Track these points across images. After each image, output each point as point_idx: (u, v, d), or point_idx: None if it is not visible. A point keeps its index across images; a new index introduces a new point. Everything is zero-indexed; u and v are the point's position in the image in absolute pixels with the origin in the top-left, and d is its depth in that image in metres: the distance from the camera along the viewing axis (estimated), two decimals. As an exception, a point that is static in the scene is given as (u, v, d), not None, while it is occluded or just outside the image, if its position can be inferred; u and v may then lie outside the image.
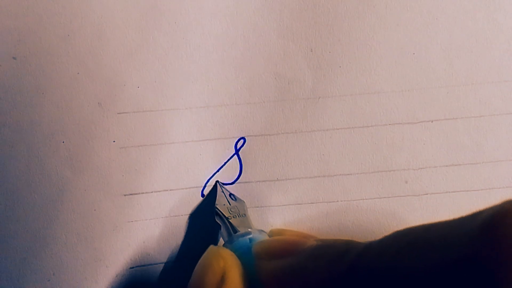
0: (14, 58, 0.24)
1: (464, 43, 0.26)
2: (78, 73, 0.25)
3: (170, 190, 0.26)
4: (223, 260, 0.19)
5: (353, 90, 0.26)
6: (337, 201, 0.26)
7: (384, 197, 0.26)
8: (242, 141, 0.26)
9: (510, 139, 0.26)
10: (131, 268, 0.26)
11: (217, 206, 0.24)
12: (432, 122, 0.26)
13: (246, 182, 0.26)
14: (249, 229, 0.23)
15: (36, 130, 0.25)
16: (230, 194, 0.25)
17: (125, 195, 0.26)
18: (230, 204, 0.24)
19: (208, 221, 0.26)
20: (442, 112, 0.26)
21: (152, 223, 0.26)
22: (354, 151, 0.26)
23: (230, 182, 0.26)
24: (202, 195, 0.26)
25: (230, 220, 0.23)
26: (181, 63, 0.25)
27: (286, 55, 0.26)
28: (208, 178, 0.26)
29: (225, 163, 0.26)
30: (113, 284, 0.26)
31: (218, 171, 0.26)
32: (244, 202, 0.25)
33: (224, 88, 0.26)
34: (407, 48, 0.26)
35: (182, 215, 0.26)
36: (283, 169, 0.26)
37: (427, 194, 0.26)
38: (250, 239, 0.21)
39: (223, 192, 0.25)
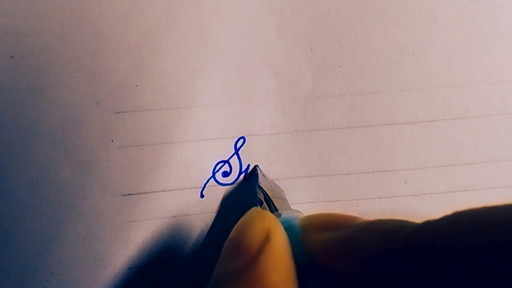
0: (12, 57, 0.24)
1: (463, 44, 0.26)
2: (76, 72, 0.25)
3: (169, 190, 0.26)
4: (268, 220, 0.18)
5: (353, 90, 0.26)
6: (337, 200, 0.26)
7: (384, 197, 0.26)
8: (242, 140, 0.26)
9: (508, 139, 0.26)
10: (129, 268, 0.26)
11: (260, 185, 0.24)
12: (431, 122, 0.26)
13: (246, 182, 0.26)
14: (292, 210, 0.22)
15: (34, 129, 0.24)
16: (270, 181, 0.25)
17: (123, 195, 0.25)
18: (272, 186, 0.24)
19: (207, 221, 0.26)
20: (441, 112, 0.26)
21: (151, 224, 0.26)
22: (354, 151, 0.26)
23: (230, 182, 0.26)
24: (202, 195, 0.26)
25: (272, 199, 0.23)
26: (180, 62, 0.25)
27: (286, 55, 0.26)
28: (207, 178, 0.26)
29: (225, 162, 0.26)
30: (112, 285, 0.26)
31: (218, 171, 0.26)
32: (282, 190, 0.25)
33: (224, 88, 0.26)
34: (406, 49, 0.26)
35: (181, 216, 0.26)
36: (282, 168, 0.26)
37: (426, 194, 0.26)
38: (293, 217, 0.20)
39: (264, 175, 0.25)
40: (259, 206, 0.23)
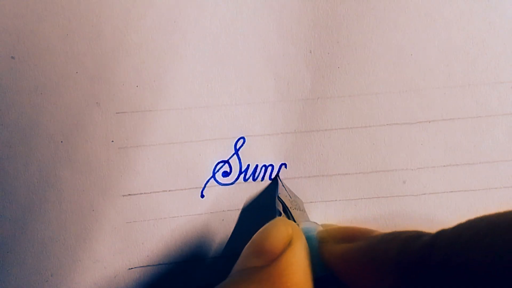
0: (12, 57, 0.24)
1: (461, 45, 0.26)
2: (76, 72, 0.25)
3: (169, 190, 0.26)
4: (291, 227, 0.19)
5: (351, 91, 0.26)
6: (336, 200, 0.27)
7: (382, 197, 0.26)
8: (241, 141, 0.26)
9: (506, 140, 0.26)
10: (129, 269, 0.26)
11: (280, 196, 0.24)
12: (429, 122, 0.26)
13: (246, 182, 0.26)
14: (309, 221, 0.23)
15: (35, 130, 0.25)
16: (289, 191, 0.26)
17: (123, 196, 0.25)
18: (291, 198, 0.24)
19: (207, 221, 0.26)
20: (439, 112, 0.26)
21: (151, 224, 0.26)
22: (353, 151, 0.26)
23: (230, 182, 0.26)
24: (202, 195, 0.26)
25: (291, 211, 0.23)
26: (180, 63, 0.25)
27: (286, 56, 0.26)
28: (207, 178, 0.26)
29: (225, 162, 0.26)
30: (112, 285, 0.26)
31: (218, 171, 0.26)
32: (302, 201, 0.26)
33: (223, 88, 0.26)
34: (405, 50, 0.26)
35: (181, 216, 0.26)
36: (282, 168, 0.26)
37: (425, 194, 0.27)
38: (311, 229, 0.21)
39: (284, 186, 0.25)
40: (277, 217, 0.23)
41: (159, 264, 0.26)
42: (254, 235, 0.19)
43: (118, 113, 0.25)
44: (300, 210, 0.24)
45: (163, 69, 0.25)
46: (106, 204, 0.25)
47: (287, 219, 0.20)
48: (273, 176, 0.26)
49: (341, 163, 0.26)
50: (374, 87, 0.26)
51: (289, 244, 0.18)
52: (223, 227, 0.26)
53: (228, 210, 0.26)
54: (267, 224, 0.19)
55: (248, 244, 0.19)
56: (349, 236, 0.19)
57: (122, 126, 0.25)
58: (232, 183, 0.26)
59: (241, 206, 0.26)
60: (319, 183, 0.26)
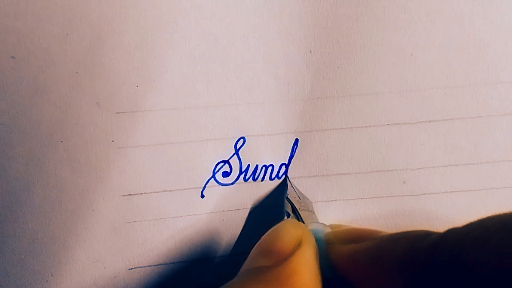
0: (12, 57, 0.24)
1: (461, 45, 0.26)
2: (76, 72, 0.25)
3: (169, 190, 0.26)
4: (301, 229, 0.19)
5: (351, 91, 0.26)
6: (335, 200, 0.27)
7: (382, 197, 0.26)
8: (242, 140, 0.26)
9: (507, 140, 0.26)
10: (129, 269, 0.26)
11: (288, 197, 0.24)
12: (429, 122, 0.26)
13: (246, 182, 0.26)
14: (318, 222, 0.23)
15: (35, 130, 0.25)
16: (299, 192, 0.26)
17: (123, 196, 0.25)
18: (300, 199, 0.24)
19: (208, 221, 0.26)
20: (439, 112, 0.26)
21: (151, 224, 0.26)
22: (352, 151, 0.26)
23: (230, 182, 0.26)
24: (202, 196, 0.26)
25: (300, 212, 0.23)
26: (180, 63, 0.25)
27: (286, 56, 0.26)
28: (207, 178, 0.26)
29: (225, 162, 0.26)
30: (112, 285, 0.26)
31: (218, 171, 0.26)
32: (311, 201, 0.26)
33: (224, 88, 0.26)
34: (405, 50, 0.26)
35: (181, 216, 0.26)
36: (283, 168, 0.26)
37: (425, 194, 0.27)
38: (319, 230, 0.21)
39: (293, 187, 0.25)
40: (286, 218, 0.23)
41: (159, 264, 0.26)
42: (263, 236, 0.19)
43: (118, 113, 0.25)
44: (309, 211, 0.24)
45: (163, 69, 0.25)
46: (106, 204, 0.25)
47: (296, 221, 0.20)
48: (273, 176, 0.26)
49: (341, 163, 0.26)
50: (374, 87, 0.26)
51: (298, 245, 0.18)
52: (223, 227, 0.26)
53: (228, 210, 0.26)
54: (276, 225, 0.19)
55: (256, 244, 0.19)
56: (355, 237, 0.19)
57: (122, 126, 0.25)
58: (232, 183, 0.26)
59: (241, 206, 0.26)
60: (319, 183, 0.26)
